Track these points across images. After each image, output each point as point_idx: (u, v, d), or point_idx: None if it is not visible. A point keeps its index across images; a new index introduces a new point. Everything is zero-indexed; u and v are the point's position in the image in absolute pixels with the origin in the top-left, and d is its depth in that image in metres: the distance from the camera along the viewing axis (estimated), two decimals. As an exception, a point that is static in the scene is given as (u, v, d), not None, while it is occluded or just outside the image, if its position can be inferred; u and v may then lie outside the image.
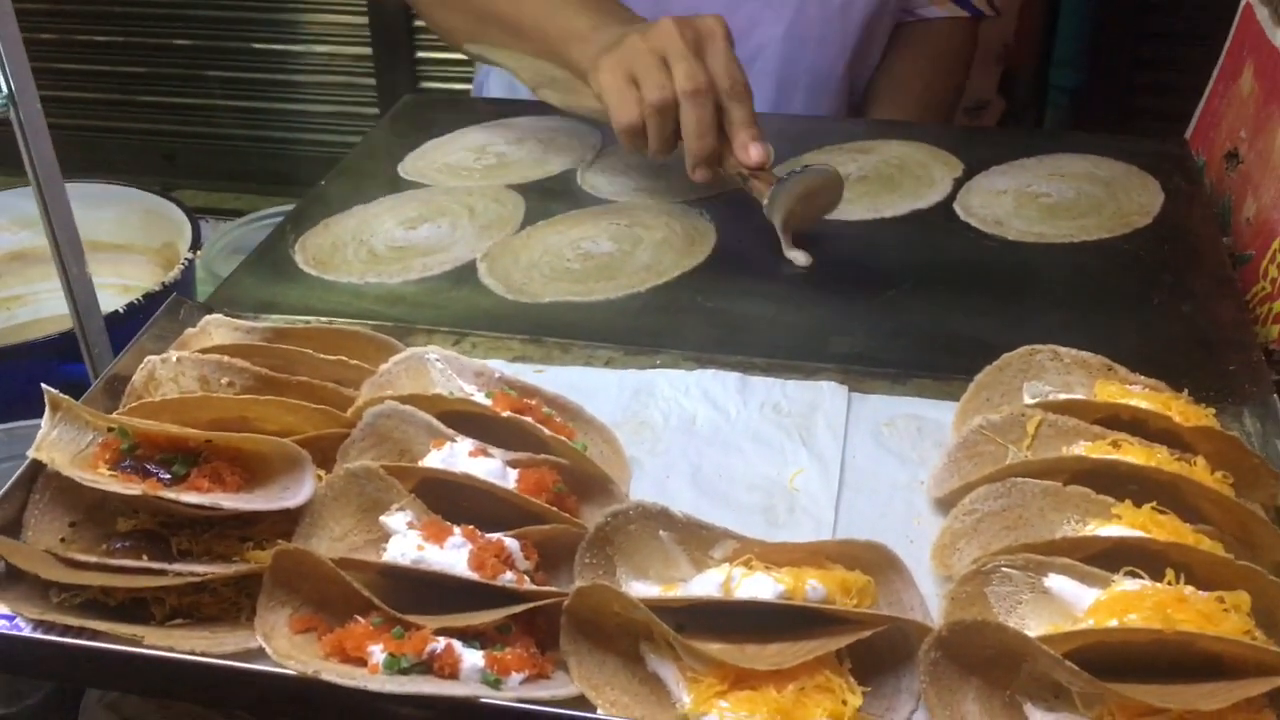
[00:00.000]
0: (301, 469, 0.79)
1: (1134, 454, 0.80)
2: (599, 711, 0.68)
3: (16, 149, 0.97)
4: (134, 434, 0.78)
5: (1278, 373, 0.98)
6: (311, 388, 0.88)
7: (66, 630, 0.73)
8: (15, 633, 0.73)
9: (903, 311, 1.07)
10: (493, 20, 1.37)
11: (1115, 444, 0.81)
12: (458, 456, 0.80)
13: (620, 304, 1.09)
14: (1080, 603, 0.70)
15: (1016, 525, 0.78)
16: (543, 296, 1.10)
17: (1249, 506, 0.78)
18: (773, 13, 1.48)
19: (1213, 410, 0.87)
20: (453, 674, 0.69)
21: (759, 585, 0.71)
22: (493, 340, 1.04)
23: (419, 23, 2.78)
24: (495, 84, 1.63)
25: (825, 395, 0.95)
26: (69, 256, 1.02)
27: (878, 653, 0.71)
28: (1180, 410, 0.84)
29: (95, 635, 0.72)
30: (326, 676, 0.68)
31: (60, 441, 0.79)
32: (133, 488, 0.75)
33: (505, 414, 0.84)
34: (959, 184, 1.27)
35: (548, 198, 1.27)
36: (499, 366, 0.94)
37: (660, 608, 0.70)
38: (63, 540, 0.78)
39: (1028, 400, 0.89)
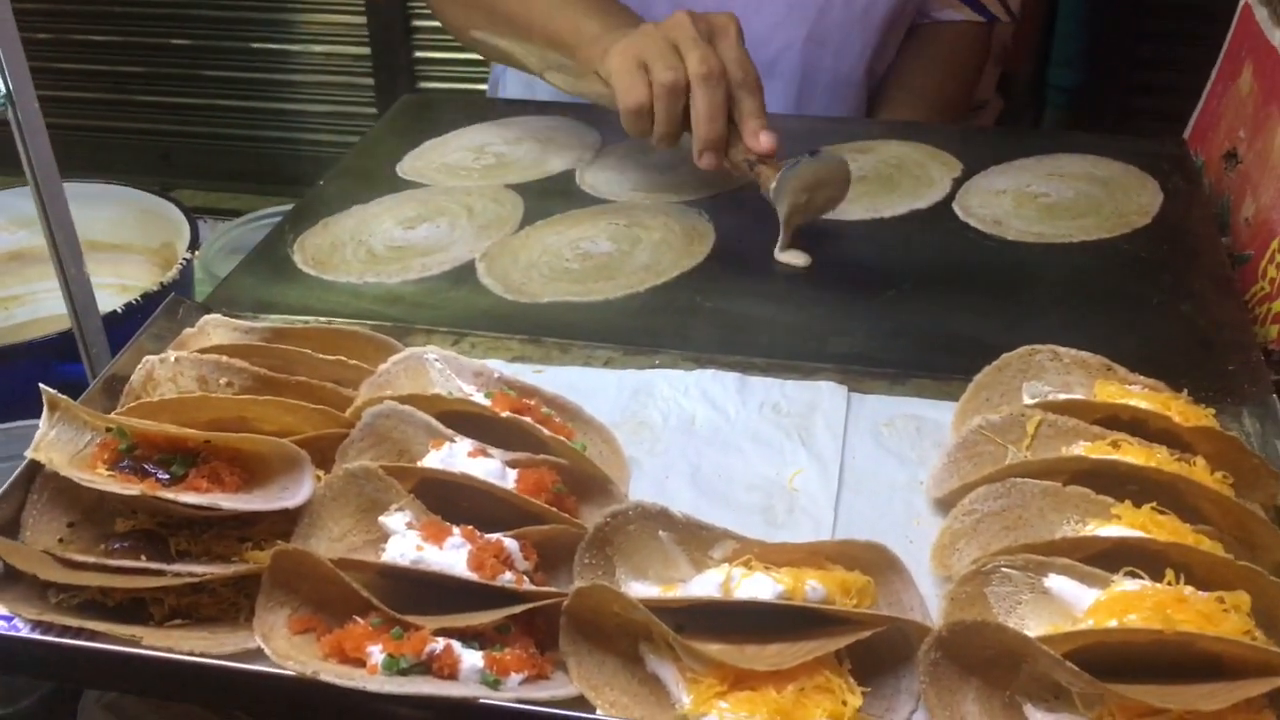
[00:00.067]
0: (300, 469, 0.79)
1: (1133, 454, 0.79)
2: (598, 712, 0.68)
3: (14, 149, 0.97)
4: (132, 434, 0.78)
5: (1277, 373, 0.98)
6: (310, 388, 0.88)
7: (65, 631, 0.72)
8: (13, 633, 0.73)
9: (902, 311, 1.07)
10: (502, 18, 1.37)
11: (1115, 444, 0.81)
12: (457, 457, 0.80)
13: (619, 304, 1.09)
14: (1080, 603, 0.70)
15: (1016, 525, 0.78)
16: (541, 296, 1.10)
17: (1249, 507, 0.78)
18: (795, 16, 1.48)
19: (1212, 410, 0.87)
20: (452, 675, 0.69)
21: (758, 586, 0.71)
22: (492, 340, 1.04)
23: (417, 22, 2.78)
24: (512, 83, 1.63)
25: (824, 395, 0.95)
26: (67, 256, 1.01)
27: (877, 653, 0.71)
28: (1180, 410, 0.84)
29: (93, 636, 0.72)
30: (325, 677, 0.68)
31: (58, 442, 0.79)
32: (131, 488, 0.75)
33: (504, 414, 0.84)
34: (958, 184, 1.27)
35: (546, 197, 1.27)
36: (498, 366, 0.94)
37: (659, 608, 0.70)
38: (61, 541, 0.78)
39: (1027, 400, 0.89)
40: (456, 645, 0.69)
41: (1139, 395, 0.86)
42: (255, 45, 2.90)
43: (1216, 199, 1.28)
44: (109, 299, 1.34)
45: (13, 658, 0.75)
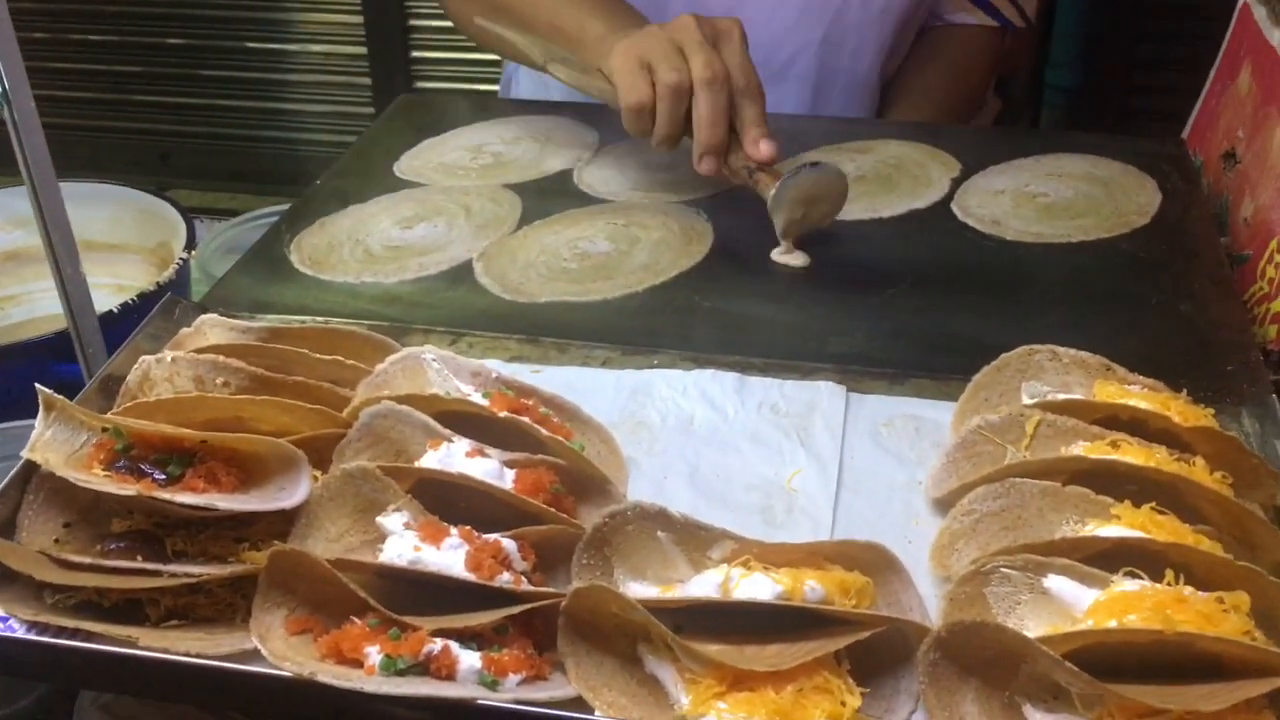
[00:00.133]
0: (297, 469, 0.79)
1: (1133, 454, 0.79)
2: (597, 713, 0.68)
3: (10, 148, 0.97)
4: (129, 434, 0.78)
5: (1276, 373, 0.98)
6: (307, 388, 0.88)
7: (61, 632, 0.72)
8: (9, 634, 0.73)
9: (901, 312, 1.07)
10: (505, 15, 1.37)
11: (1114, 444, 0.81)
12: (454, 457, 0.80)
13: (617, 304, 1.09)
14: (1079, 603, 0.70)
15: (1015, 526, 0.78)
16: (539, 296, 1.10)
17: (1248, 507, 0.78)
18: (811, 17, 1.47)
19: (1211, 410, 0.87)
20: (449, 675, 0.68)
21: (757, 586, 0.71)
22: (489, 340, 1.03)
23: (414, 22, 2.78)
24: (525, 83, 1.62)
25: (823, 395, 0.95)
26: (63, 256, 1.01)
27: (876, 654, 0.71)
28: (1179, 410, 0.84)
29: (90, 637, 0.72)
30: (322, 678, 0.68)
31: (54, 442, 0.79)
32: (127, 488, 0.75)
33: (502, 414, 0.84)
34: (956, 184, 1.26)
35: (544, 197, 1.27)
36: (496, 366, 0.94)
37: (658, 609, 0.70)
38: (57, 541, 0.78)
39: (1026, 400, 0.89)
40: (454, 646, 0.69)
41: (1138, 395, 0.86)
42: (252, 45, 2.91)
43: (1215, 199, 1.28)
44: (105, 299, 1.34)
45: (9, 659, 0.75)
